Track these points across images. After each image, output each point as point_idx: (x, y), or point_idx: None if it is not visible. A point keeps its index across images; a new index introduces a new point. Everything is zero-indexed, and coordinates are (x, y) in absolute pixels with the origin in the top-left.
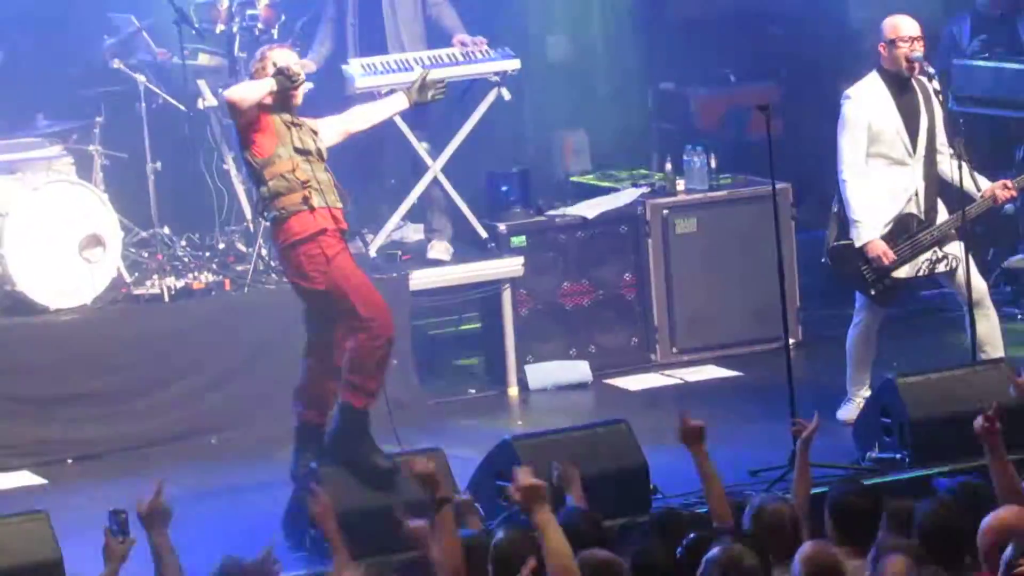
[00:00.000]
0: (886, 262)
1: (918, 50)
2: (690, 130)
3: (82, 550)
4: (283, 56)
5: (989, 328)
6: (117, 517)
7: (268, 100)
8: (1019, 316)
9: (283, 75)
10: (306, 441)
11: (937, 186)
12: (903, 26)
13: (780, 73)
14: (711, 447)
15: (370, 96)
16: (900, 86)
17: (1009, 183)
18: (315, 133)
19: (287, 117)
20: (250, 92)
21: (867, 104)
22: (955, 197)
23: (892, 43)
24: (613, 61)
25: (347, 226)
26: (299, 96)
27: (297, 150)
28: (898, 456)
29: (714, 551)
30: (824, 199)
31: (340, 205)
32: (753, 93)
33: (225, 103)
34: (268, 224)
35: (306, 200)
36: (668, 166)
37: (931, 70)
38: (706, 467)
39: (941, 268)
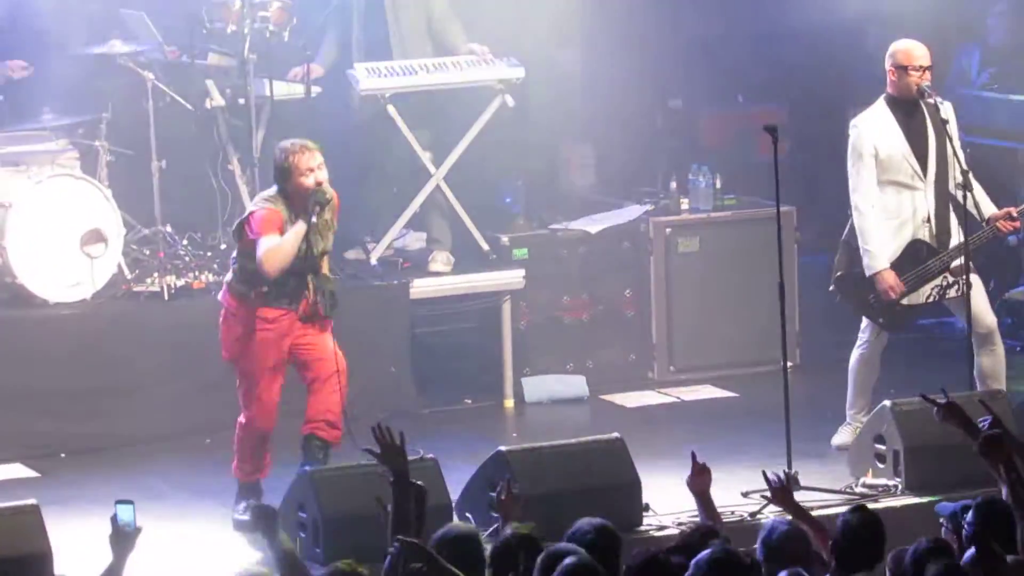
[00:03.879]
0: (893, 296)
1: (927, 80)
2: (697, 149)
3: (73, 543)
4: (307, 164)
5: (994, 363)
6: (126, 506)
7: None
8: (1019, 348)
9: (318, 204)
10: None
11: (948, 210)
12: (916, 54)
13: (789, 95)
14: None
15: (374, 99)
16: (907, 111)
17: (1013, 211)
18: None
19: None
20: (284, 261)
21: (874, 132)
22: (971, 221)
23: (903, 69)
24: (622, 76)
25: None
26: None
27: (292, 272)
28: (891, 483)
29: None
30: (828, 223)
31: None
32: (761, 114)
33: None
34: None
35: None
36: (673, 184)
37: (939, 99)
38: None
39: (952, 293)
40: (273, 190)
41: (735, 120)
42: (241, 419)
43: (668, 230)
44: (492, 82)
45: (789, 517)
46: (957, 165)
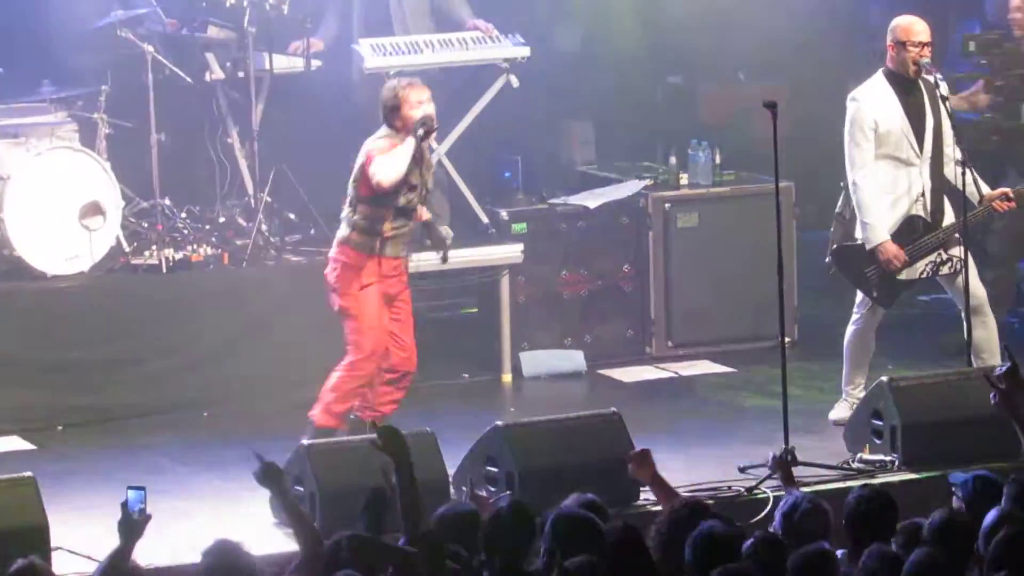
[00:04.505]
0: (897, 264)
1: (927, 56)
2: (696, 125)
3: (69, 516)
4: (416, 98)
5: (987, 335)
6: (137, 492)
7: None
8: (1016, 325)
9: (426, 130)
10: None
11: (944, 187)
12: (916, 30)
13: (789, 71)
14: (702, 442)
15: (379, 78)
16: (906, 87)
17: (1010, 192)
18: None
19: (411, 173)
20: (399, 173)
21: (873, 105)
22: (960, 200)
23: (903, 45)
24: (622, 53)
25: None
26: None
27: (397, 208)
28: (888, 459)
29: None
30: (827, 199)
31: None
32: (761, 91)
33: (374, 184)
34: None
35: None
36: (673, 160)
37: (939, 75)
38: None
39: (945, 270)
40: (383, 130)
41: (735, 96)
42: (349, 361)
43: (667, 205)
44: (497, 61)
45: (811, 493)
46: (955, 142)
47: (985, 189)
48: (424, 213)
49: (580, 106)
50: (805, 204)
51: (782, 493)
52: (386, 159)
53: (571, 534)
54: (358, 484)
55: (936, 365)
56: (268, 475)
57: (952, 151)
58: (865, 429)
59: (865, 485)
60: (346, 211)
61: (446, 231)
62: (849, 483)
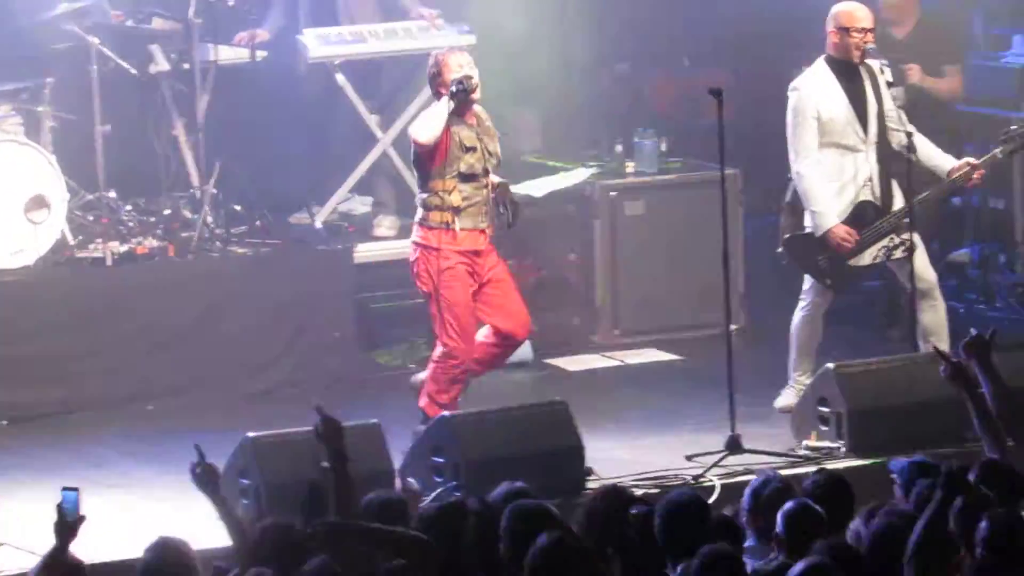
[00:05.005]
0: (849, 246)
1: (870, 41)
2: (642, 113)
3: (14, 512)
4: (457, 62)
5: (935, 319)
6: (71, 494)
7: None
8: (961, 310)
9: (462, 88)
10: None
11: (891, 171)
12: (859, 16)
13: (734, 58)
14: (648, 430)
15: (324, 68)
16: (848, 73)
17: (974, 161)
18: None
19: (464, 136)
20: (434, 128)
21: (815, 94)
22: (918, 180)
23: (846, 31)
24: (568, 41)
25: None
26: (477, 97)
27: (462, 175)
28: (834, 445)
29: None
30: (774, 185)
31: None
32: (706, 77)
33: (411, 143)
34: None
35: (448, 224)
36: (619, 148)
37: (884, 61)
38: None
39: (898, 254)
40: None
41: (680, 84)
42: (441, 351)
43: (613, 193)
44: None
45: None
46: (902, 126)
47: (949, 163)
48: (495, 178)
49: (526, 95)
50: (751, 191)
51: (729, 481)
52: (421, 117)
53: (529, 524)
54: (303, 476)
55: (883, 351)
56: (202, 477)
57: (900, 135)
58: (812, 416)
59: (820, 470)
60: (418, 195)
61: (393, 221)
62: (796, 470)
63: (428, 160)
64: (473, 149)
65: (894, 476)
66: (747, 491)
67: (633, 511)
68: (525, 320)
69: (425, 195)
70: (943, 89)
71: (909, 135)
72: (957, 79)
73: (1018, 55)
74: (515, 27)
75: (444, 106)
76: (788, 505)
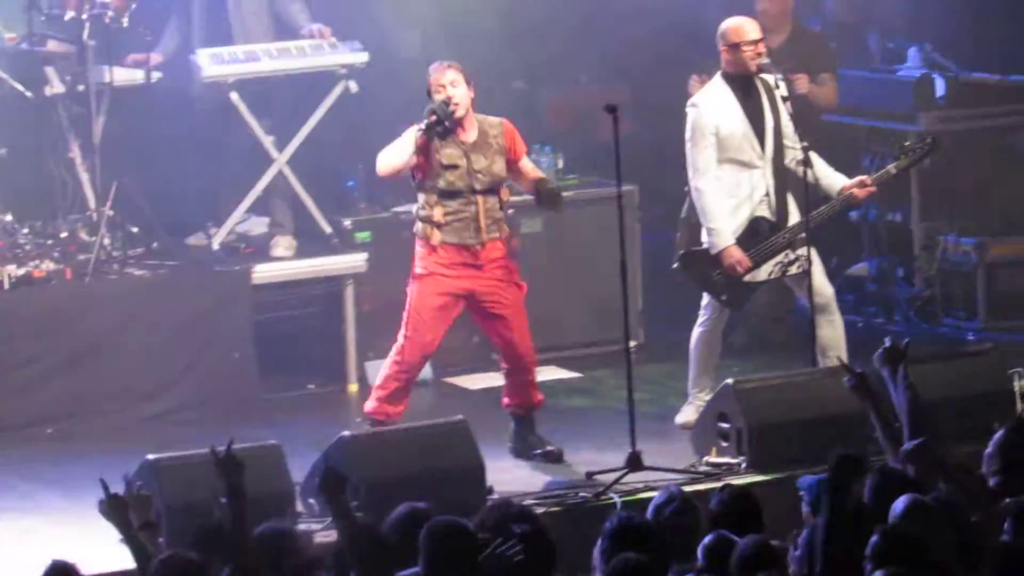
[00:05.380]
0: (740, 270)
1: (763, 52)
2: (540, 129)
3: None
4: (438, 81)
5: (833, 334)
6: None
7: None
8: (860, 324)
9: (429, 126)
10: None
11: (787, 186)
12: (746, 29)
13: (631, 74)
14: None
15: (218, 88)
16: (744, 88)
17: (866, 179)
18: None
19: (446, 154)
20: (392, 163)
21: (713, 110)
22: (814, 195)
23: (736, 47)
24: (464, 58)
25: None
26: (461, 113)
27: (441, 192)
28: (735, 461)
29: None
30: (672, 201)
31: (472, 242)
32: (603, 94)
33: None
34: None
35: (428, 236)
36: None
37: (779, 75)
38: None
39: (793, 270)
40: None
41: (577, 100)
42: (395, 346)
43: (511, 211)
44: (336, 67)
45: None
46: (797, 141)
47: (842, 182)
48: (537, 173)
49: (421, 113)
50: (649, 207)
51: (630, 498)
52: (388, 147)
53: (447, 544)
54: (205, 499)
55: (783, 366)
56: (111, 509)
57: (796, 144)
58: (712, 432)
59: (725, 486)
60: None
61: (290, 242)
62: (698, 486)
63: (413, 174)
64: (454, 167)
65: (802, 493)
66: (650, 507)
67: (517, 529)
68: (521, 351)
69: (415, 205)
70: (821, 97)
71: (805, 150)
72: (833, 87)
73: (913, 68)
74: (410, 45)
75: (409, 139)
76: (707, 539)
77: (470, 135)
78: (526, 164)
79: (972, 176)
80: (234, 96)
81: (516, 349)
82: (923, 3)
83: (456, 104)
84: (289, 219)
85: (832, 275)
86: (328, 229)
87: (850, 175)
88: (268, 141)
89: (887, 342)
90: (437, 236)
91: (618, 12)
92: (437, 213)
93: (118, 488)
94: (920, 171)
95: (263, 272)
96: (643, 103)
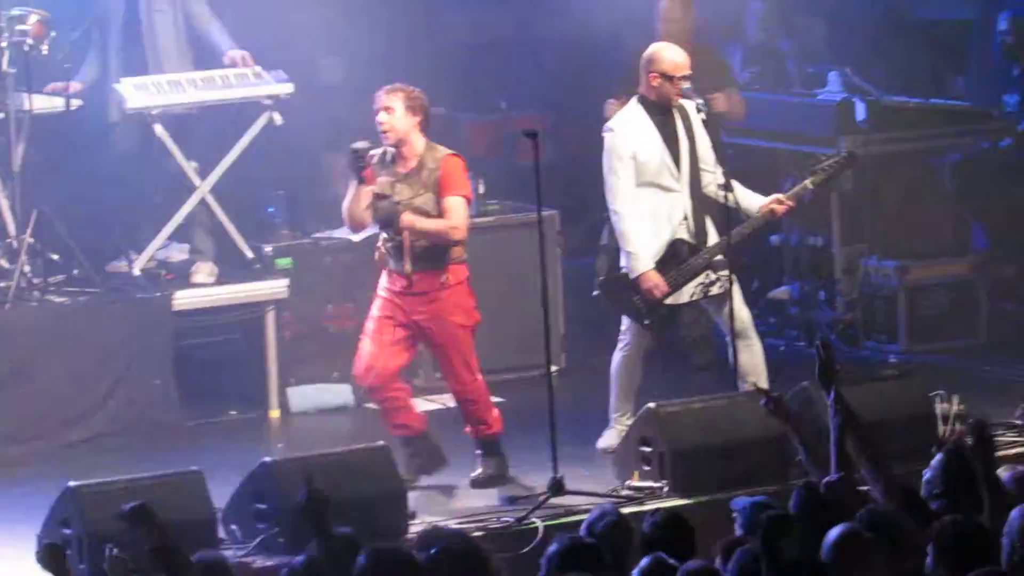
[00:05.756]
0: (658, 294)
1: (688, 84)
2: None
3: None
4: (376, 105)
5: (751, 359)
6: None
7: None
8: (782, 348)
9: (352, 160)
10: None
11: (704, 208)
12: (681, 63)
13: (551, 100)
14: (471, 472)
15: (139, 117)
16: (661, 113)
17: (782, 196)
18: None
19: (379, 182)
20: (345, 213)
21: (630, 135)
22: (727, 219)
23: (669, 79)
24: (384, 84)
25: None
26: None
27: (378, 220)
28: (657, 485)
29: None
30: (592, 226)
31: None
32: (523, 120)
33: None
34: None
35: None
36: None
37: (700, 101)
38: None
39: (715, 290)
40: None
41: (497, 126)
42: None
43: None
44: (261, 98)
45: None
46: (716, 166)
47: (759, 203)
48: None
49: (343, 139)
50: (570, 232)
51: (552, 522)
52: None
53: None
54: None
55: (703, 391)
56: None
57: (712, 167)
58: (634, 456)
59: (658, 509)
60: None
61: (211, 269)
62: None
63: None
64: (383, 196)
65: (735, 515)
66: (583, 525)
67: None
68: (454, 386)
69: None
70: (735, 112)
71: (726, 175)
72: (741, 99)
73: (833, 92)
74: (331, 70)
75: (351, 188)
76: (644, 561)
77: (409, 164)
78: (447, 204)
79: (893, 199)
80: (158, 128)
81: (450, 381)
82: (843, 28)
83: (384, 132)
84: (210, 246)
85: (754, 299)
86: (249, 255)
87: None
88: (191, 169)
89: (820, 355)
90: (380, 259)
91: (537, 38)
92: (380, 239)
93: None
94: (841, 195)
95: (184, 299)
96: (563, 128)
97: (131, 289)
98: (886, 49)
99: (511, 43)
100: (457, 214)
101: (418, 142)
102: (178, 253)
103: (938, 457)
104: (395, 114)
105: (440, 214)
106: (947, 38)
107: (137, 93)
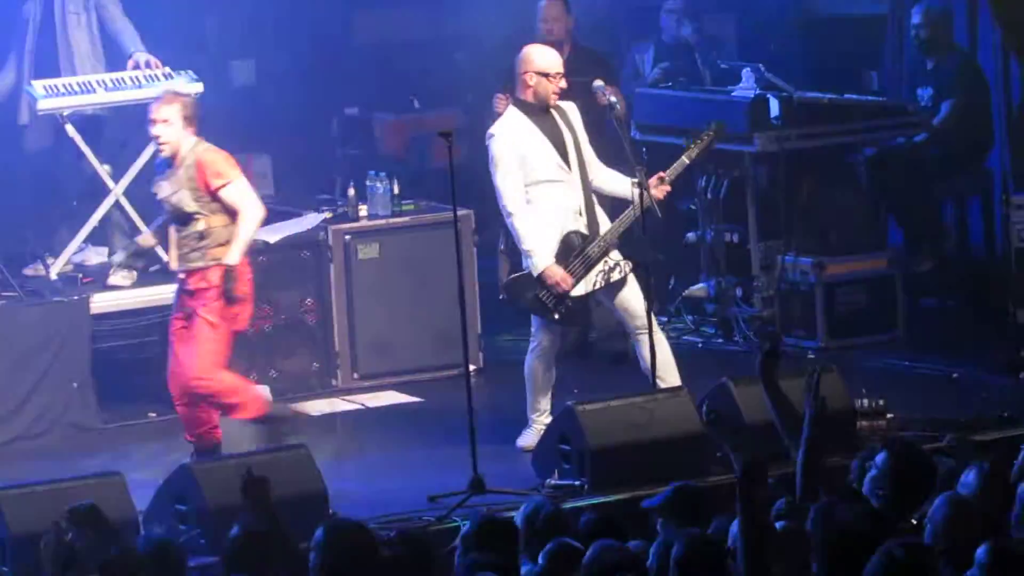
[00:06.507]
0: (565, 287)
1: (563, 83)
2: (374, 156)
3: None
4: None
5: (661, 355)
6: None
7: None
8: (700, 345)
9: None
10: None
11: (594, 198)
12: (555, 61)
13: (465, 100)
14: (391, 472)
15: (50, 118)
16: (540, 114)
17: (663, 174)
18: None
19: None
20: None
21: (514, 138)
22: (619, 206)
23: (545, 76)
24: (297, 85)
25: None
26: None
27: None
28: (577, 483)
29: None
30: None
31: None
32: (437, 119)
33: None
34: None
35: None
36: (351, 192)
37: (613, 99)
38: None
39: (615, 276)
40: None
41: (411, 126)
42: None
43: (347, 237)
44: None
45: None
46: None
47: (626, 185)
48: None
49: (256, 140)
50: (485, 230)
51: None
52: None
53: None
54: (47, 528)
55: (622, 388)
56: None
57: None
58: (554, 454)
59: (592, 507)
60: None
61: (127, 272)
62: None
63: None
64: (155, 196)
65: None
66: (518, 517)
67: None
68: (182, 382)
69: None
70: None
71: (641, 170)
72: (622, 97)
73: (747, 89)
74: (243, 72)
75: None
76: (549, 545)
77: (176, 161)
78: (227, 195)
79: (808, 195)
80: (70, 128)
81: (174, 373)
82: (755, 25)
83: (162, 145)
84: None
85: (670, 296)
86: (166, 257)
87: (687, 198)
88: (104, 171)
89: (764, 346)
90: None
91: (450, 37)
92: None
93: None
94: (757, 191)
95: (101, 301)
96: (476, 128)
97: (48, 292)
98: (799, 45)
99: (424, 43)
100: (239, 200)
101: (186, 142)
102: (95, 256)
103: (882, 455)
104: (172, 126)
105: (202, 208)
106: (860, 33)
107: (47, 95)
